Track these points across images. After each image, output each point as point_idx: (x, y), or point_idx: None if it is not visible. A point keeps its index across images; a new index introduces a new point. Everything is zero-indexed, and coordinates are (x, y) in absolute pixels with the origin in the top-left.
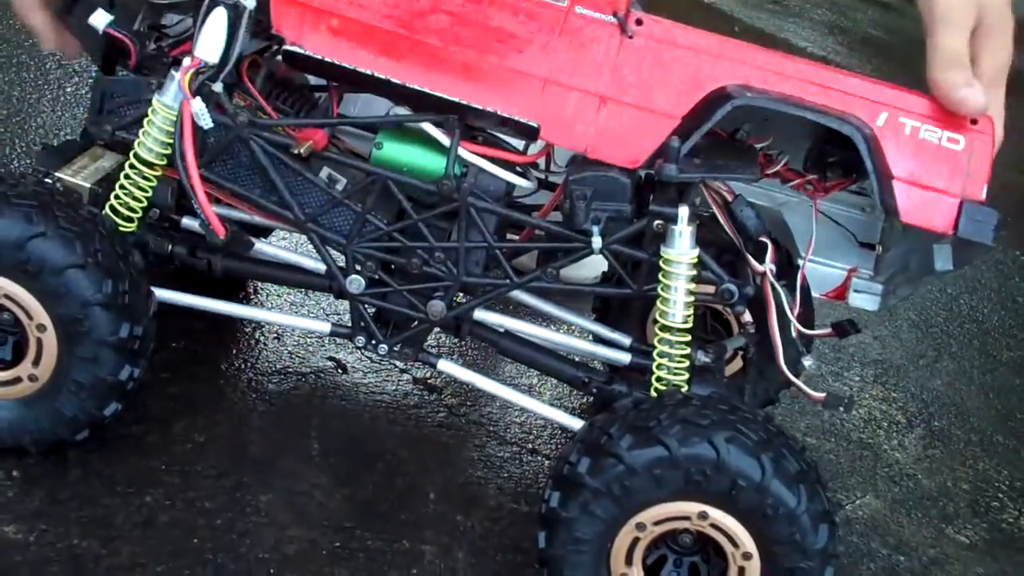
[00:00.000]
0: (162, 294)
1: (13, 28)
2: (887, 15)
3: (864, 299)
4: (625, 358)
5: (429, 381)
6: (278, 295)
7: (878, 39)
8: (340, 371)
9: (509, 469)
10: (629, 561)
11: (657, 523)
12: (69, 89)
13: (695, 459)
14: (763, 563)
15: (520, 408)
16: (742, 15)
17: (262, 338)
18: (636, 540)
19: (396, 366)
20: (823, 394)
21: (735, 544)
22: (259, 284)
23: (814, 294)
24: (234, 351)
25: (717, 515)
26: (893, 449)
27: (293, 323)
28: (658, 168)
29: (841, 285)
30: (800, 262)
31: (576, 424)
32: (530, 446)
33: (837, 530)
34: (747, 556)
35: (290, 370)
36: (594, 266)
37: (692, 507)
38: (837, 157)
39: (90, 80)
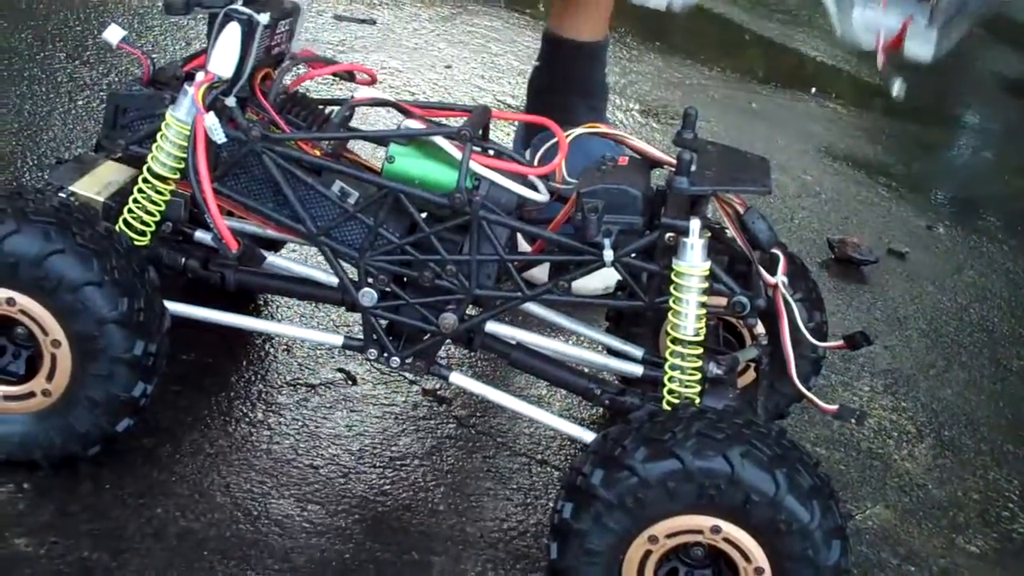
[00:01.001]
0: (174, 307)
1: (25, 41)
2: None
3: (919, 46)
4: (637, 370)
5: (439, 392)
6: (288, 307)
7: None
8: (350, 383)
9: (518, 480)
10: (641, 574)
11: (670, 536)
12: (80, 103)
13: (709, 473)
14: None
15: (530, 420)
16: (752, 25)
17: (272, 350)
18: (648, 553)
19: (406, 378)
20: (835, 406)
21: (747, 559)
22: (269, 296)
23: (869, 48)
24: (244, 363)
25: (730, 529)
26: (903, 459)
27: (305, 335)
28: (669, 180)
29: (896, 36)
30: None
31: (586, 435)
32: (539, 457)
33: (850, 546)
34: (759, 571)
35: (300, 382)
36: (603, 278)
37: (705, 521)
38: None
39: (101, 94)
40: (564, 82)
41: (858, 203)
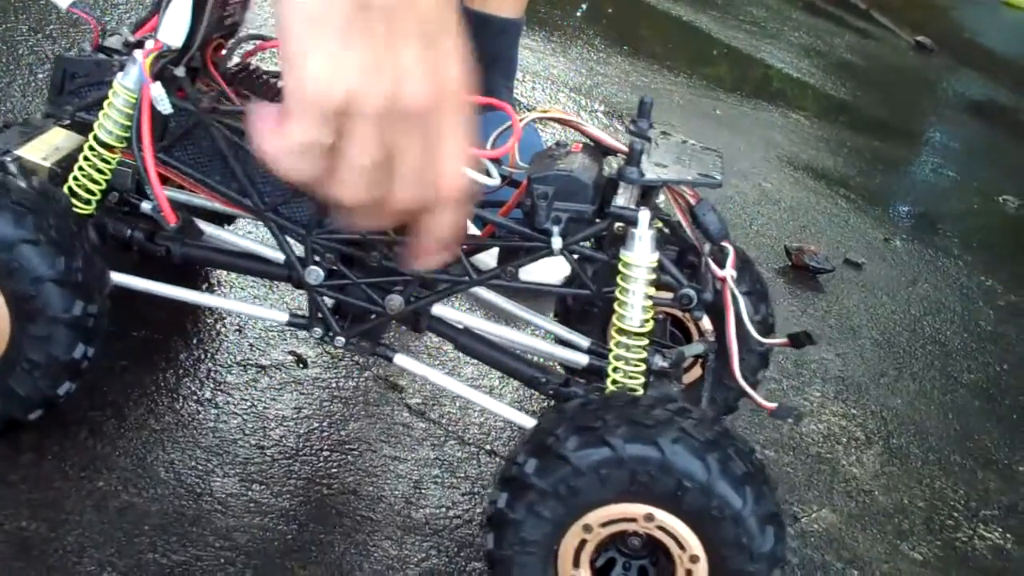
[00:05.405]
0: (117, 277)
1: None
2: (863, 41)
3: None
4: (583, 360)
5: (390, 379)
6: (241, 288)
7: (853, 64)
8: (301, 366)
9: (466, 469)
10: (577, 563)
11: (604, 525)
12: (41, 76)
13: (640, 459)
14: (710, 566)
15: (480, 409)
16: (720, 34)
17: (223, 330)
18: (584, 542)
19: (357, 363)
20: (774, 404)
21: (682, 547)
22: (223, 277)
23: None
24: (194, 341)
25: (663, 517)
26: (851, 464)
27: (249, 311)
28: (620, 170)
29: None
30: None
31: (532, 423)
32: (488, 447)
33: (785, 533)
34: (694, 559)
35: (250, 362)
36: (552, 270)
37: (638, 509)
38: None
39: None
40: (489, 60)
41: (817, 213)
